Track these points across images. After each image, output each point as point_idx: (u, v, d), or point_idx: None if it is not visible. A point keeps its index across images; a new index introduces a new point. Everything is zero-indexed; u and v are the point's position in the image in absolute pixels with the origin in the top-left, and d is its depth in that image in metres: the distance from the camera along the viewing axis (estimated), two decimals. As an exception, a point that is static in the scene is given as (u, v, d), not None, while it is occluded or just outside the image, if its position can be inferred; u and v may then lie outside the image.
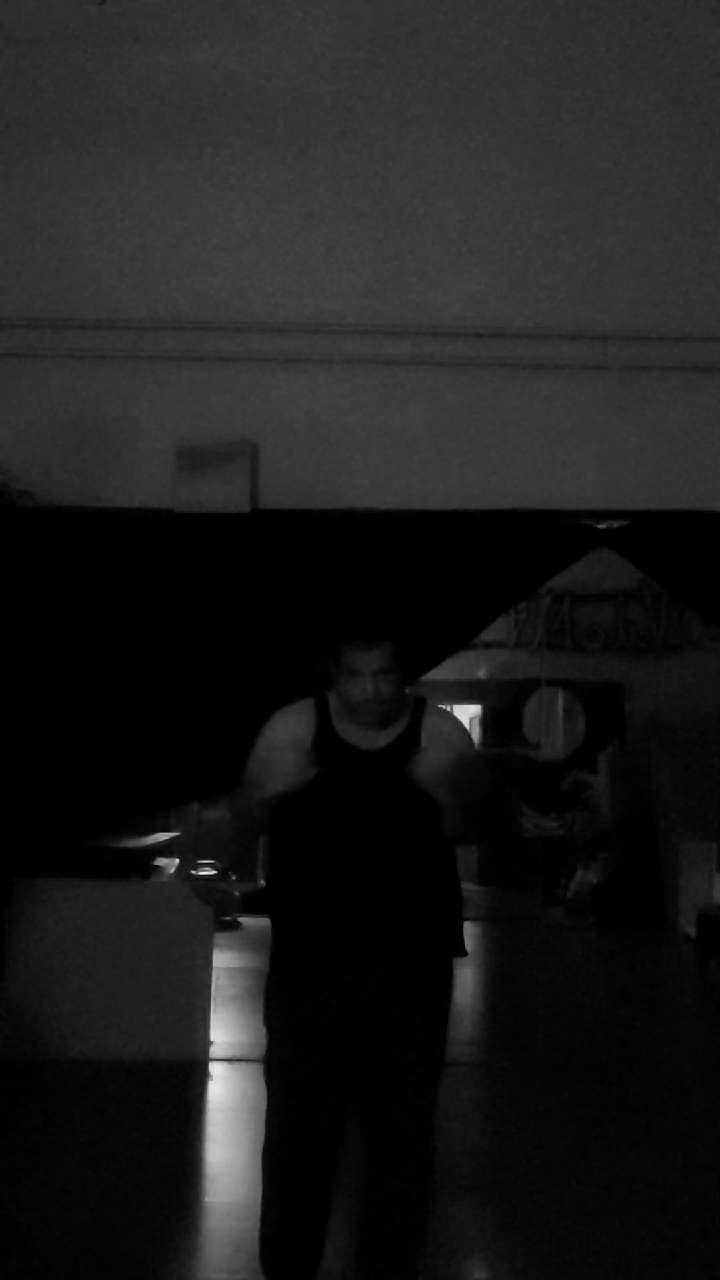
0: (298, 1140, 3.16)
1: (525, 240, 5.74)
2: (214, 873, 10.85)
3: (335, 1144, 3.19)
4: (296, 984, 3.20)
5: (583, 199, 5.76)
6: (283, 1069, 3.19)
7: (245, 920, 10.07)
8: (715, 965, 9.05)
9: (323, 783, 3.12)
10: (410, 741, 3.21)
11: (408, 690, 3.31)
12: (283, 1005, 3.23)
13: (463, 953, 3.30)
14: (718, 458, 5.69)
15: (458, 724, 3.47)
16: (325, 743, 3.19)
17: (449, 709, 14.09)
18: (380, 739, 3.22)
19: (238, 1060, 6.17)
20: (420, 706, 3.33)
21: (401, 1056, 3.14)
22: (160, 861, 8.78)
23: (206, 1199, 4.77)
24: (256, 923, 9.96)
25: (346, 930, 3.14)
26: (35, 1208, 4.40)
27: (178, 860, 9.65)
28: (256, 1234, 3.22)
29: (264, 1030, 3.27)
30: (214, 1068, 6.19)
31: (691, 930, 9.90)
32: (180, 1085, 5.98)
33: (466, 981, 8.99)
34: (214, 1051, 6.30)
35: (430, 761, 3.09)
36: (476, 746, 3.67)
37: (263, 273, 5.72)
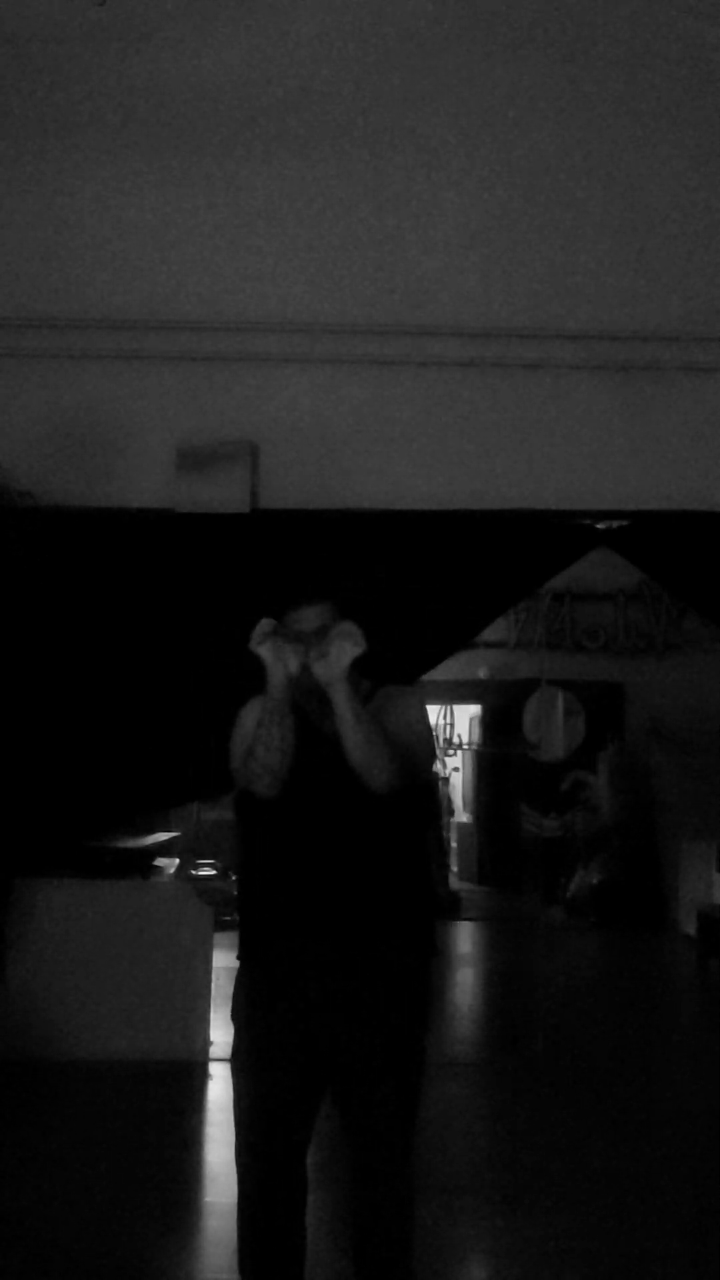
0: (267, 1139, 3.13)
1: (525, 240, 5.74)
2: (214, 873, 10.87)
3: (304, 1143, 3.15)
4: (263, 979, 3.17)
5: (583, 199, 5.76)
6: (248, 1066, 3.17)
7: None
8: (715, 965, 9.06)
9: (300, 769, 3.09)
10: None
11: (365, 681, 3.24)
12: (249, 1001, 3.20)
13: (433, 951, 3.23)
14: (718, 458, 5.69)
15: (409, 694, 3.33)
16: (299, 730, 3.16)
17: (448, 708, 14.14)
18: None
19: (238, 1060, 6.17)
20: (375, 689, 3.25)
21: (374, 1062, 3.09)
22: (160, 861, 8.78)
23: (206, 1199, 4.78)
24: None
25: (307, 923, 3.10)
26: (35, 1208, 4.40)
27: (178, 860, 9.66)
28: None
29: (230, 1024, 3.23)
30: (213, 1068, 6.20)
31: (691, 930, 9.90)
32: (180, 1085, 5.99)
33: (466, 981, 9.00)
34: (214, 1051, 6.30)
35: (331, 659, 3.03)
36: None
37: (262, 272, 5.71)
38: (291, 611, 3.20)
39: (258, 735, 3.13)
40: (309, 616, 3.18)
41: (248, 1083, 3.17)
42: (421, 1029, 3.17)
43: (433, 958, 3.22)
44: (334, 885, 3.10)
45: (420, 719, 3.29)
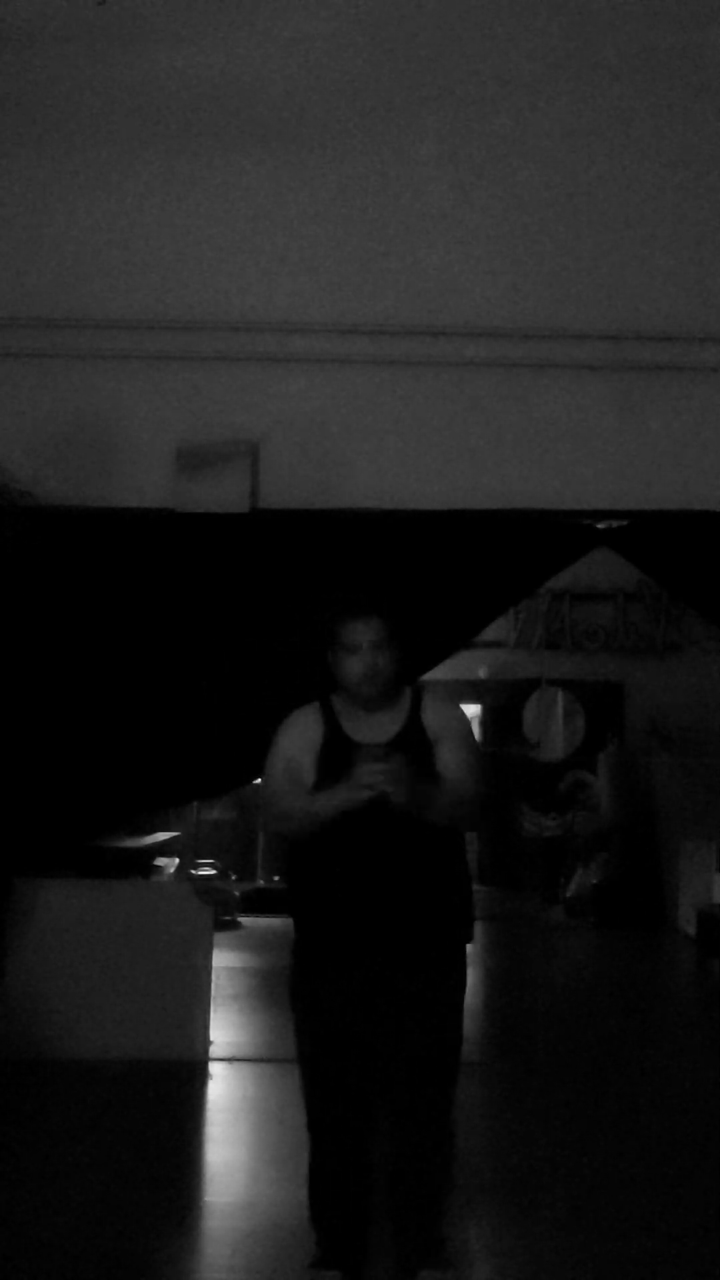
0: (334, 1103, 3.40)
1: (525, 240, 5.74)
2: (214, 873, 10.88)
3: (369, 1102, 3.42)
4: (320, 974, 3.40)
5: (583, 199, 5.76)
6: (311, 1044, 3.43)
7: (245, 920, 10.08)
8: (715, 965, 9.06)
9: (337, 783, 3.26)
10: (413, 733, 3.33)
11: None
12: (307, 991, 3.44)
13: (469, 938, 3.50)
14: (717, 458, 5.69)
15: (456, 713, 3.56)
16: (335, 744, 3.28)
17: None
18: (384, 732, 3.32)
19: (237, 1060, 6.17)
20: (419, 695, 3.44)
21: (420, 1042, 3.37)
22: (160, 861, 8.80)
23: (206, 1199, 4.78)
24: (256, 923, 9.98)
25: (361, 924, 3.31)
26: (35, 1207, 4.40)
27: (178, 860, 9.67)
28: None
29: (290, 1012, 3.51)
30: (213, 1067, 6.19)
31: (691, 930, 9.89)
32: (180, 1085, 5.98)
33: (467, 981, 8.98)
34: (213, 1051, 6.30)
35: (406, 790, 3.18)
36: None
37: (263, 273, 5.71)
38: (346, 627, 3.33)
39: (289, 808, 3.34)
40: (360, 630, 3.32)
41: (314, 1060, 3.42)
42: (460, 998, 3.52)
43: (469, 942, 3.50)
44: (385, 884, 3.29)
45: (474, 747, 3.50)
